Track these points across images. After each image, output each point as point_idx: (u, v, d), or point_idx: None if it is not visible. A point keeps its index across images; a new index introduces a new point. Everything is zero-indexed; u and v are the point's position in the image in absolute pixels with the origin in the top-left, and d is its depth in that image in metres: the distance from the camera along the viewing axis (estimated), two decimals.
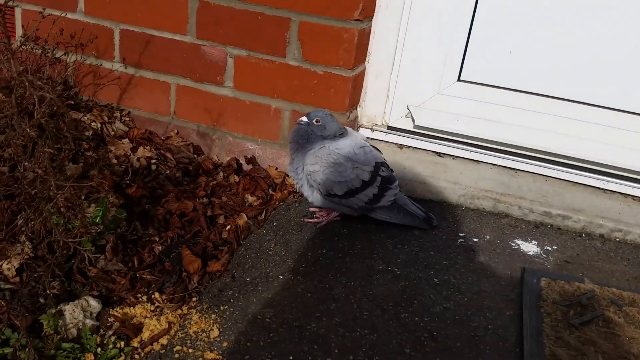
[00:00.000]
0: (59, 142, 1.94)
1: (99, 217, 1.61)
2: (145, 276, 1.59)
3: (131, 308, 1.48)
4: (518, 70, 2.01)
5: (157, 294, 1.53)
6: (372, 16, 1.98)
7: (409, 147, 2.16)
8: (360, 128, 2.16)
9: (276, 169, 2.11)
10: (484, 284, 1.56)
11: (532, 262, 1.70)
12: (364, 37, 1.96)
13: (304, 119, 1.73)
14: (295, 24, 1.91)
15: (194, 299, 1.52)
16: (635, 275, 1.70)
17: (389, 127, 2.17)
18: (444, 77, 2.07)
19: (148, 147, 2.10)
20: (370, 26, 2.00)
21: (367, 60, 2.06)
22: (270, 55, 1.98)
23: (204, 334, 1.32)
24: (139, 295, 1.53)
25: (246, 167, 2.14)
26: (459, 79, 2.07)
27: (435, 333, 1.35)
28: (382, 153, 1.80)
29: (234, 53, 2.01)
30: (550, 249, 1.78)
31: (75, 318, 1.40)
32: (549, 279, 1.59)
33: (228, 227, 1.83)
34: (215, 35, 2.01)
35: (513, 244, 1.77)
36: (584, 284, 1.59)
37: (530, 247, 1.77)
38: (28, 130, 1.18)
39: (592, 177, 2.01)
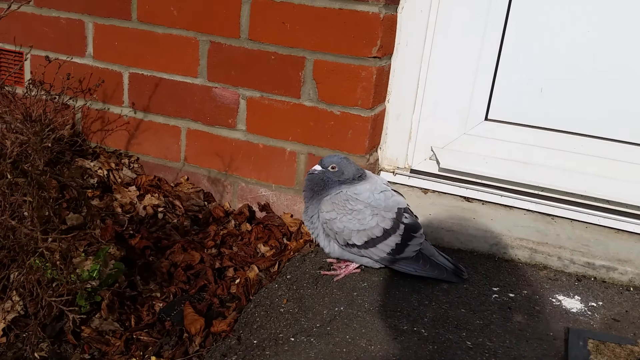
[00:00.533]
0: (62, 190, 1.84)
1: (95, 272, 1.48)
2: (142, 337, 1.45)
3: None
4: (550, 107, 1.85)
5: (153, 358, 1.38)
6: (391, 53, 1.86)
7: (434, 191, 2.00)
8: (382, 172, 2.01)
9: (291, 216, 1.97)
10: (523, 348, 1.37)
11: (577, 320, 1.51)
12: (383, 76, 1.84)
13: (317, 167, 1.60)
14: (310, 62, 1.80)
15: None
16: None
17: (412, 170, 2.02)
18: (470, 116, 1.92)
19: (156, 195, 1.98)
20: (390, 64, 1.88)
21: (387, 99, 1.93)
22: (284, 96, 1.86)
23: None
24: (134, 359, 1.38)
25: (260, 214, 2.00)
26: (486, 118, 1.92)
27: None
28: (404, 198, 1.64)
29: (247, 95, 1.90)
30: (595, 305, 1.58)
31: None
32: (597, 340, 1.39)
33: (237, 281, 1.68)
34: (227, 77, 1.91)
35: (554, 300, 1.58)
36: (637, 347, 1.39)
37: (573, 304, 1.58)
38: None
39: (637, 224, 1.81)
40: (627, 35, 1.75)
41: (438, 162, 1.96)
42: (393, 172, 2.03)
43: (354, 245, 1.58)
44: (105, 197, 1.93)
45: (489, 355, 1.33)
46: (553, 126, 1.86)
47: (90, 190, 1.93)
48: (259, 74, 1.86)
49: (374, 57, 1.74)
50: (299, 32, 1.78)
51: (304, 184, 1.65)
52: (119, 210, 1.89)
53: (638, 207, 1.80)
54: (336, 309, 1.50)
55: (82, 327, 1.42)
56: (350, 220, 1.55)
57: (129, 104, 2.08)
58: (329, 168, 1.58)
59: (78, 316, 1.29)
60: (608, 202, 1.83)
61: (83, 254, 1.55)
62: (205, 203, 2.02)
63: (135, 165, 2.12)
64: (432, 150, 1.98)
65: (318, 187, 1.60)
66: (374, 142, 1.92)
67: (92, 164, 2.03)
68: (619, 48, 1.76)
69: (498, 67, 1.86)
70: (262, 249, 1.86)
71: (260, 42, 1.83)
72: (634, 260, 1.70)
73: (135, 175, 2.07)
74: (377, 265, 1.64)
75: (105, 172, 2.04)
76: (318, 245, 1.68)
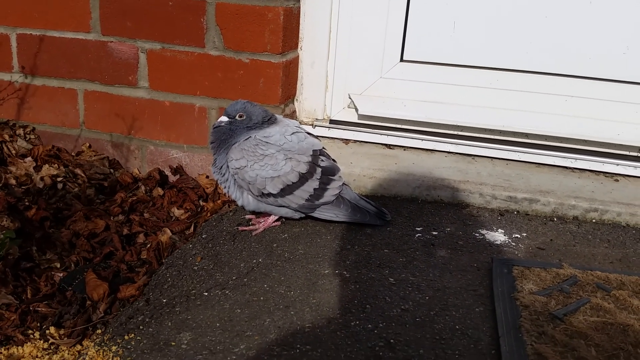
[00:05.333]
0: None
1: None
2: (40, 309, 1.30)
3: (19, 347, 1.19)
4: (463, 43, 1.81)
5: (52, 329, 1.24)
6: None
7: (355, 141, 1.93)
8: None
9: (207, 177, 1.85)
10: (447, 280, 1.31)
11: (501, 251, 1.47)
12: (292, 18, 1.74)
13: (224, 118, 1.48)
14: (211, 6, 1.68)
15: (98, 331, 1.24)
16: (619, 257, 1.48)
17: (332, 121, 1.94)
18: (385, 59, 1.86)
19: (55, 165, 1.81)
20: (299, 6, 1.78)
21: (299, 47, 1.84)
22: (187, 46, 1.73)
23: None
24: (30, 331, 1.24)
25: (172, 178, 1.87)
26: (401, 59, 1.86)
27: (392, 341, 1.09)
28: (319, 140, 1.55)
29: (146, 47, 1.76)
30: (519, 236, 1.55)
31: None
32: (522, 266, 1.36)
33: (148, 246, 1.56)
34: (123, 30, 1.76)
35: (477, 234, 1.54)
36: (563, 270, 1.36)
37: (497, 236, 1.54)
38: None
39: (558, 156, 1.81)
40: None
41: (357, 110, 1.89)
42: (312, 124, 1.94)
43: (269, 194, 1.48)
44: None
45: (412, 289, 1.27)
46: (468, 62, 1.82)
47: None
48: (158, 24, 1.73)
49: None
50: None
51: (210, 137, 1.53)
52: (14, 182, 1.72)
53: (557, 138, 1.79)
54: (254, 261, 1.40)
55: None
56: (262, 168, 1.45)
57: (19, 69, 1.89)
58: (237, 117, 1.47)
59: None
60: (527, 135, 1.81)
61: None
62: (111, 170, 1.87)
63: (32, 136, 1.94)
64: (350, 98, 1.90)
65: (225, 136, 1.48)
66: (289, 91, 1.82)
67: None
68: None
69: (410, 4, 1.80)
70: (177, 212, 1.74)
71: None
72: (556, 190, 1.69)
73: (31, 146, 1.89)
74: (297, 216, 1.55)
75: None
76: (236, 203, 1.57)
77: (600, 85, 1.76)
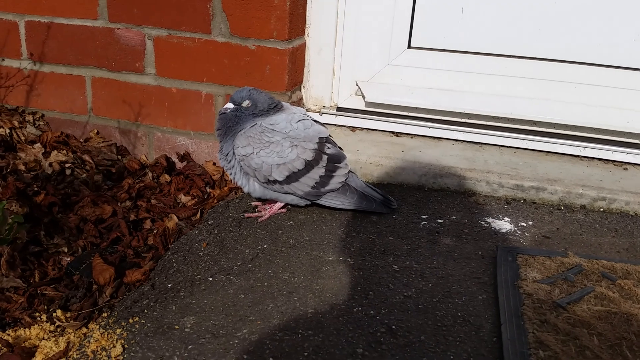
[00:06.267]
0: None
1: None
2: (47, 292, 1.32)
3: (26, 329, 1.21)
4: (472, 29, 1.79)
5: (59, 312, 1.25)
6: None
7: (362, 129, 1.93)
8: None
9: (214, 164, 1.86)
10: (451, 268, 1.31)
11: (506, 240, 1.47)
12: (299, 4, 1.73)
13: (230, 105, 1.48)
14: None
15: (104, 314, 1.25)
16: (626, 246, 1.47)
17: (339, 108, 1.93)
18: (392, 46, 1.84)
19: (64, 151, 1.83)
20: None
21: (306, 33, 1.83)
22: (193, 32, 1.73)
23: (104, 353, 1.05)
24: (37, 314, 1.25)
25: (180, 164, 1.88)
26: (409, 46, 1.85)
27: (394, 327, 1.10)
28: (326, 128, 1.55)
29: (153, 34, 1.77)
30: (525, 224, 1.55)
31: None
32: (526, 255, 1.36)
33: (155, 232, 1.57)
34: (130, 16, 1.77)
35: (483, 223, 1.54)
36: (568, 258, 1.35)
37: (502, 225, 1.54)
38: None
39: (566, 144, 1.79)
40: None
41: (364, 97, 1.88)
42: (319, 112, 1.94)
43: (275, 181, 1.48)
44: (8, 155, 1.77)
45: (415, 276, 1.27)
46: (476, 49, 1.80)
47: None
48: (164, 10, 1.73)
49: None
50: None
51: (216, 124, 1.53)
52: (23, 168, 1.74)
53: (566, 126, 1.78)
54: (259, 247, 1.41)
55: None
56: (268, 155, 1.45)
57: (28, 56, 1.90)
58: (242, 104, 1.47)
59: None
60: (535, 123, 1.79)
61: None
62: (119, 157, 1.89)
63: (41, 123, 1.95)
64: (357, 85, 1.90)
65: (231, 123, 1.49)
66: (296, 78, 1.82)
67: None
68: None
69: None
70: (183, 199, 1.75)
71: None
72: (564, 179, 1.68)
73: (40, 133, 1.91)
74: (303, 203, 1.55)
75: (8, 131, 1.88)
76: (242, 190, 1.58)
77: (609, 72, 1.73)
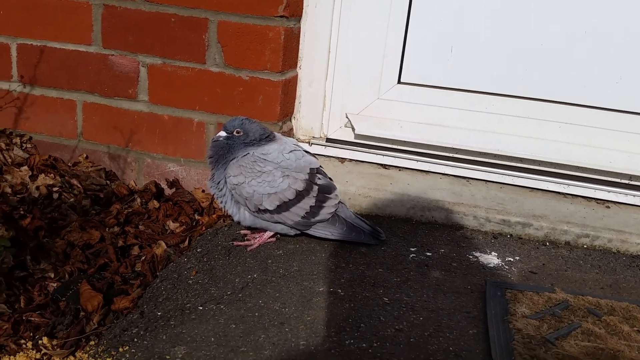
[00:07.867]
0: None
1: None
2: (33, 318, 1.30)
3: (11, 357, 1.18)
4: (460, 67, 1.84)
5: (45, 339, 1.23)
6: (300, 15, 1.79)
7: (351, 160, 1.95)
8: None
9: (203, 191, 1.85)
10: (441, 301, 1.32)
11: (494, 274, 1.49)
12: (292, 38, 1.76)
13: (222, 133, 1.50)
14: (213, 24, 1.70)
15: (92, 342, 1.23)
16: (610, 282, 1.50)
17: (328, 140, 1.96)
18: (383, 81, 1.88)
19: (51, 175, 1.81)
20: (299, 27, 1.81)
21: (298, 65, 1.86)
22: (188, 62, 1.75)
23: None
24: (23, 341, 1.23)
25: (168, 191, 1.88)
26: (399, 82, 1.88)
27: None
28: (317, 159, 1.57)
29: (147, 62, 1.78)
30: (512, 259, 1.57)
31: None
32: (515, 290, 1.37)
33: (143, 258, 1.56)
34: (125, 44, 1.78)
35: (471, 257, 1.56)
36: (555, 294, 1.38)
37: (490, 259, 1.56)
38: None
39: (551, 182, 1.83)
40: None
41: (353, 129, 1.91)
42: (309, 142, 1.96)
43: (265, 210, 1.49)
44: None
45: (406, 309, 1.28)
46: (464, 87, 1.85)
47: None
48: (160, 39, 1.74)
49: (281, 17, 1.67)
50: None
51: (208, 152, 1.54)
52: (9, 190, 1.72)
53: (551, 163, 1.82)
54: (249, 276, 1.41)
55: None
56: (260, 184, 1.46)
57: (18, 78, 1.90)
58: (234, 133, 1.49)
59: None
60: (521, 160, 1.83)
61: None
62: (108, 182, 1.88)
63: (28, 145, 1.94)
64: (347, 117, 1.92)
65: (223, 151, 1.50)
66: (287, 109, 1.84)
67: None
68: (525, 5, 1.77)
69: (408, 28, 1.83)
70: (172, 225, 1.74)
71: (159, 3, 1.71)
72: (549, 215, 1.71)
73: (27, 155, 1.89)
74: (292, 232, 1.56)
75: None
76: (232, 218, 1.58)
77: (593, 113, 1.79)
